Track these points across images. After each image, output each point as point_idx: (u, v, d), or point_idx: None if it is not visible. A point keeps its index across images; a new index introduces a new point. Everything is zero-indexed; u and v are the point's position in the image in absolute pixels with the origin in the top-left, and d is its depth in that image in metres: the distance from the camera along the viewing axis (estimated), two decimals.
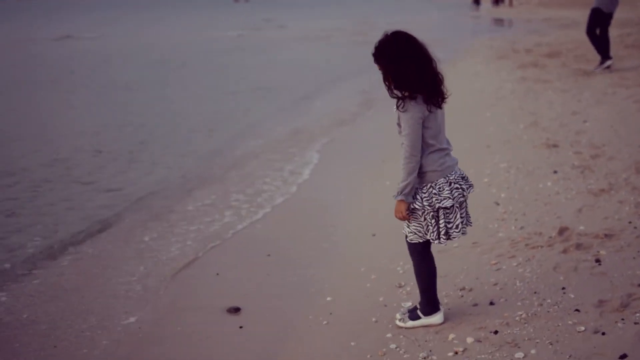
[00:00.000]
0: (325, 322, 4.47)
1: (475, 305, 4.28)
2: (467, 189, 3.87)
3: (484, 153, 7.87)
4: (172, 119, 12.42)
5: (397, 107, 3.68)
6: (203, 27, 38.80)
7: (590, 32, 12.23)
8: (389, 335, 4.10)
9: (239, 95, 15.00)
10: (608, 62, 12.28)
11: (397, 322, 4.18)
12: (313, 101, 14.11)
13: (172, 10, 66.16)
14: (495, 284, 4.51)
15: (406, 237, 3.97)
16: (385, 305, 4.54)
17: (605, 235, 4.95)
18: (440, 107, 3.74)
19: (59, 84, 16.95)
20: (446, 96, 3.75)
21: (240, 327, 4.60)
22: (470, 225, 4.01)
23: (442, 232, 3.83)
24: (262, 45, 26.99)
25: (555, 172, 6.72)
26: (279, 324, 4.60)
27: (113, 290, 5.37)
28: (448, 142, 3.86)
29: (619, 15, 23.61)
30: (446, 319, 4.13)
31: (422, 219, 3.84)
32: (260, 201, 7.47)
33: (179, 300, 5.15)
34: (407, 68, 3.61)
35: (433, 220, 3.81)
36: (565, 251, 4.80)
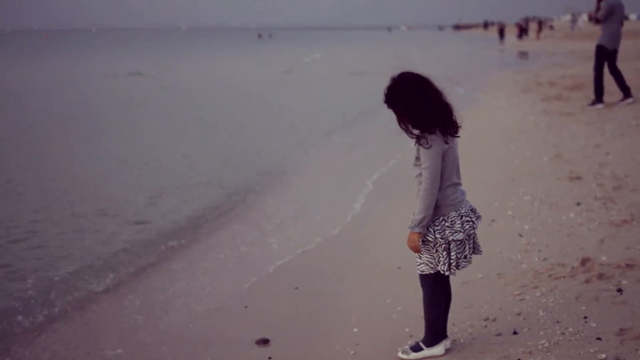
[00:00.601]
0: (352, 353, 4.58)
1: (499, 334, 4.37)
2: (476, 220, 4.00)
3: (508, 186, 7.98)
4: (219, 153, 12.77)
5: (421, 145, 3.81)
6: (244, 63, 39.91)
7: (597, 68, 12.55)
8: None
9: (290, 129, 15.46)
10: (599, 106, 12.60)
11: (400, 355, 4.28)
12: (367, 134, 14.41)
13: (204, 47, 67.58)
14: (519, 314, 4.60)
15: (417, 268, 4.10)
16: (411, 336, 4.64)
17: (627, 265, 5.03)
18: (456, 135, 3.88)
19: (131, 119, 17.72)
20: (460, 125, 3.90)
21: (269, 359, 4.73)
22: (480, 253, 4.12)
23: (454, 264, 3.95)
24: (311, 79, 27.51)
25: (578, 203, 6.81)
26: (306, 354, 4.73)
27: (143, 324, 5.52)
28: (459, 176, 4.00)
29: None
30: (470, 348, 4.23)
31: (434, 250, 3.96)
32: (289, 238, 7.62)
33: (209, 332, 5.30)
34: (419, 106, 3.76)
35: (445, 253, 3.93)
36: (587, 281, 4.88)
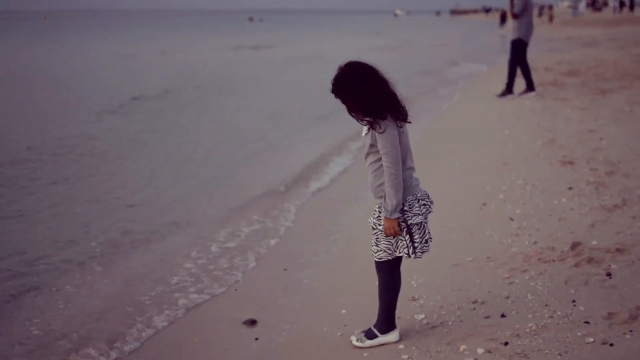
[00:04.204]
0: (339, 334, 4.55)
1: (487, 317, 4.36)
2: (431, 205, 4.00)
3: (501, 170, 7.94)
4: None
5: (375, 130, 3.81)
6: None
7: (522, 61, 13.06)
8: (401, 346, 4.18)
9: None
10: (532, 94, 13.06)
11: (354, 342, 4.27)
12: None
13: (253, 29, 68.61)
14: (507, 297, 4.59)
15: (374, 255, 4.09)
16: (399, 318, 4.59)
17: (617, 249, 5.02)
18: (407, 120, 3.87)
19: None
20: (408, 111, 3.89)
21: (256, 339, 4.70)
22: (431, 240, 4.10)
23: (418, 248, 3.96)
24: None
25: (570, 188, 6.79)
26: (293, 335, 4.70)
27: (133, 302, 5.49)
28: (412, 161, 3.98)
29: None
30: (458, 330, 4.21)
31: (393, 236, 3.96)
32: (277, 218, 7.59)
33: (197, 312, 5.27)
34: (368, 94, 3.76)
35: (408, 236, 3.93)
36: (577, 265, 4.87)
